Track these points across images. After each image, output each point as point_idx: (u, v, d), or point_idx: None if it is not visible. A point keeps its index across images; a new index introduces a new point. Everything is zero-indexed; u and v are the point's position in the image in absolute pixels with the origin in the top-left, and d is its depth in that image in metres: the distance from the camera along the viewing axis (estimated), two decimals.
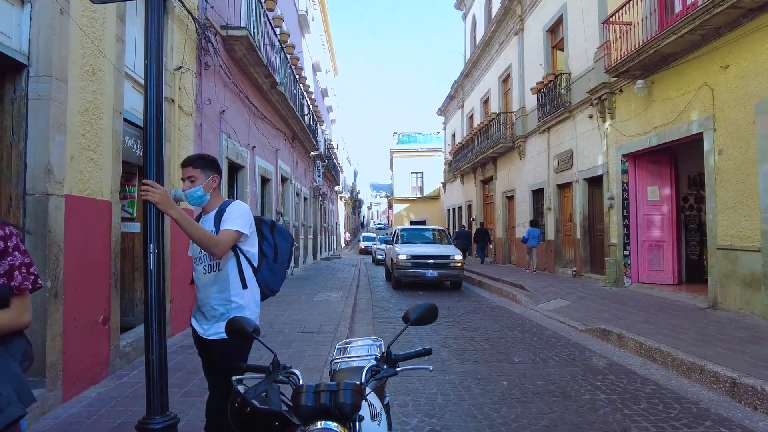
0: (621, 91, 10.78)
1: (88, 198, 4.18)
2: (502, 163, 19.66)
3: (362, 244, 32.67)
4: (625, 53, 9.55)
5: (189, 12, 6.70)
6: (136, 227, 5.82)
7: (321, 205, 25.23)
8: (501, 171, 19.89)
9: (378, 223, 75.67)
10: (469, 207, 25.62)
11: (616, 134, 11.01)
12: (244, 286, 2.46)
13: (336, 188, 35.14)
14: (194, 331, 2.54)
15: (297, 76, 14.69)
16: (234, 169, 9.60)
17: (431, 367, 1.86)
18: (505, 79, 19.65)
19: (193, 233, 2.25)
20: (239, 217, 2.43)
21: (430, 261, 12.76)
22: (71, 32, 3.90)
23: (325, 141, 23.45)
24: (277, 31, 11.92)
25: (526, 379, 5.04)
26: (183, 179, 2.51)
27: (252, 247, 2.54)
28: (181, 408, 3.81)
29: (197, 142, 7.25)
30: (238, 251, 2.47)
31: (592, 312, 8.21)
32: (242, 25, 8.78)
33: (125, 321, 5.42)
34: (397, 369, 1.84)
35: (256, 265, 2.55)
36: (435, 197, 41.76)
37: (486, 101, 22.61)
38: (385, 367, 1.82)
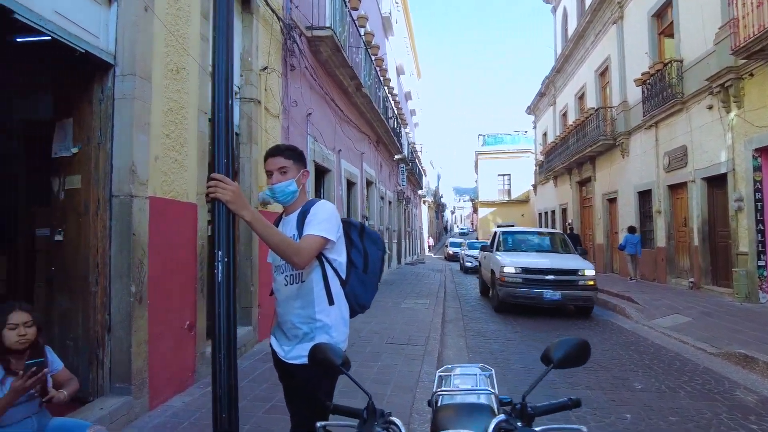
0: (751, 75, 9.31)
1: (172, 200, 4.06)
2: (601, 162, 18.13)
3: (449, 250, 31.08)
4: (759, 30, 8.19)
5: (274, 12, 6.59)
6: None
7: (404, 209, 24.94)
8: (600, 171, 18.35)
9: (461, 228, 74.14)
10: (564, 211, 24.04)
11: (745, 126, 9.52)
12: (331, 301, 2.05)
13: (419, 192, 34.75)
14: (274, 352, 2.17)
15: (381, 78, 14.48)
16: (320, 172, 9.48)
17: (585, 429, 1.30)
18: (603, 72, 18.13)
19: (271, 239, 1.88)
20: (325, 220, 2.02)
21: (550, 277, 9.15)
22: (155, 29, 3.79)
23: (408, 144, 23.14)
24: (362, 31, 11.74)
25: (654, 412, 4.24)
26: (270, 172, 2.14)
27: (339, 256, 2.13)
28: (266, 426, 3.53)
29: (284, 142, 7.12)
30: (324, 260, 2.06)
31: (722, 332, 7.02)
32: (327, 25, 8.62)
33: (211, 326, 5.33)
34: (536, 430, 1.31)
35: (344, 276, 2.13)
36: (524, 200, 40.00)
37: (581, 97, 21.07)
38: (519, 425, 1.30)
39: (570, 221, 22.21)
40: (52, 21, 3.05)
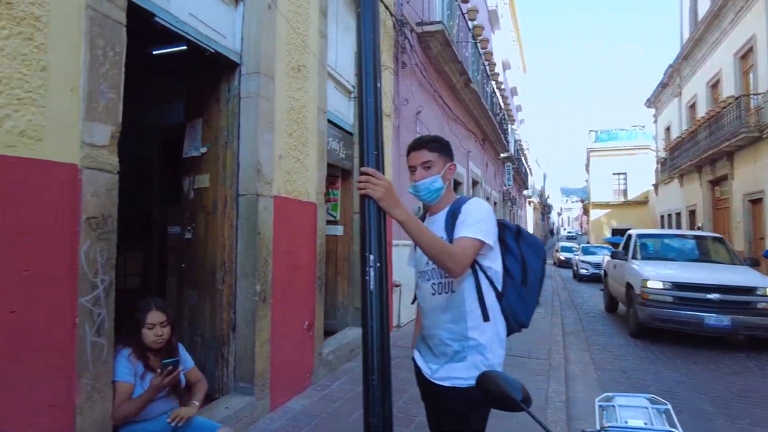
0: None
1: (295, 199, 4.01)
2: (741, 158, 15.90)
3: (560, 255, 27.75)
4: None
5: (387, 8, 6.45)
6: (339, 230, 5.69)
7: (510, 210, 23.95)
8: (740, 168, 16.10)
9: (569, 231, 69.87)
10: (692, 213, 21.55)
11: None
12: (486, 317, 1.74)
13: (524, 192, 33.28)
14: (417, 366, 1.92)
15: (489, 73, 13.92)
16: None
17: None
18: (745, 55, 15.89)
19: (425, 242, 1.62)
20: (481, 221, 1.72)
21: (714, 296, 6.86)
22: (278, 27, 3.76)
23: (514, 142, 22.17)
24: (470, 24, 11.32)
25: None
26: (412, 168, 1.88)
27: (494, 263, 1.81)
28: None
29: (395, 144, 6.98)
30: (477, 268, 1.76)
31: None
32: (437, 20, 8.36)
33: (327, 325, 5.28)
34: None
35: (500, 288, 1.81)
36: (642, 201, 36.71)
37: (714, 85, 18.70)
38: None
39: (700, 225, 19.82)
40: (188, 23, 3.10)
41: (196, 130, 3.79)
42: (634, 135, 39.93)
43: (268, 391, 3.66)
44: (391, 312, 6.67)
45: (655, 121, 28.54)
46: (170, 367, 2.26)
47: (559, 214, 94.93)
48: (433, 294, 1.81)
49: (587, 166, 46.87)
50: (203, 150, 3.68)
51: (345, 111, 5.64)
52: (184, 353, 2.64)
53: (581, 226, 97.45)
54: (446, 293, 1.78)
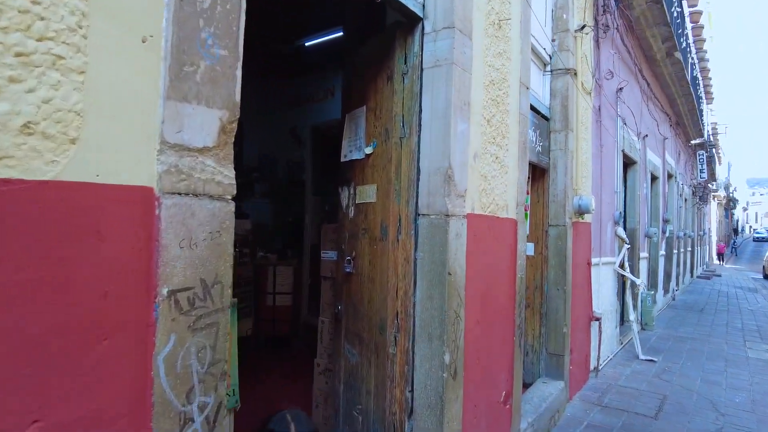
0: None
1: (492, 216, 2.74)
2: None
3: None
4: None
5: None
6: (530, 249, 4.30)
7: (698, 208, 19.97)
8: None
9: (758, 232, 58.42)
10: None
11: None
12: None
13: (710, 185, 27.93)
14: None
15: (694, 38, 11.17)
16: (625, 165, 7.32)
17: None
18: None
19: None
20: None
21: None
22: None
23: (708, 125, 18.27)
24: None
25: None
26: None
27: None
28: None
29: (595, 129, 5.33)
30: None
31: None
32: None
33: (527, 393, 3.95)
34: None
35: None
36: None
37: None
38: None
39: None
40: None
41: (358, 123, 2.71)
42: None
43: None
44: (588, 352, 5.09)
45: None
46: None
47: (745, 209, 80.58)
48: None
49: None
50: (368, 151, 2.59)
51: (538, 88, 4.21)
52: None
53: None
54: None
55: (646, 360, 5.95)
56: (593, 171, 5.17)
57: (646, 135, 8.06)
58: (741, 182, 74.66)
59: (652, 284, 9.53)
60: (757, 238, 55.33)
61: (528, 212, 4.32)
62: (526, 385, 4.27)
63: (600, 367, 5.37)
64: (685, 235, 14.45)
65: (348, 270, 2.69)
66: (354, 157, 2.71)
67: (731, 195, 52.14)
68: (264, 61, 5.77)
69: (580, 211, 4.34)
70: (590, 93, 5.08)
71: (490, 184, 2.70)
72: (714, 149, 23.23)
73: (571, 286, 4.28)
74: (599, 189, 5.37)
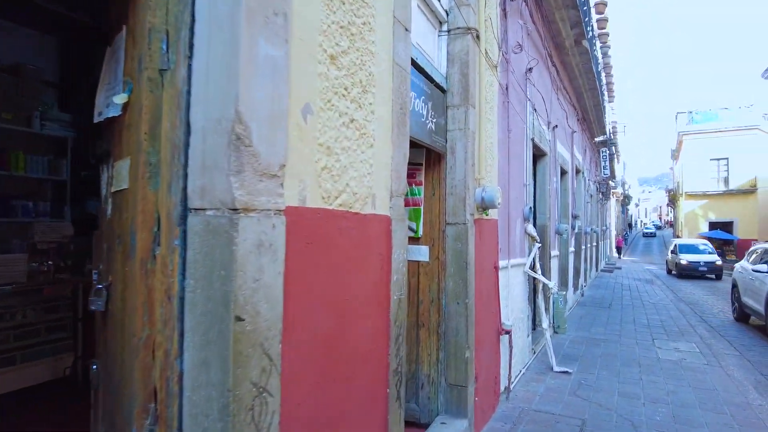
0: None
1: (343, 213, 1.73)
2: None
3: (682, 259, 19.85)
4: None
5: None
6: (423, 253, 3.38)
7: (602, 204, 20.69)
8: None
9: (646, 228, 63.35)
10: None
11: None
12: None
13: (611, 183, 29.48)
14: None
15: (598, 31, 11.06)
16: (535, 157, 6.74)
17: None
18: None
19: None
20: None
21: None
22: None
23: (610, 123, 18.86)
24: None
25: None
26: None
27: None
28: None
29: (502, 111, 4.57)
30: None
31: None
32: None
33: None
34: None
35: None
36: (749, 190, 31.91)
37: None
38: None
39: None
40: None
41: (118, 59, 1.59)
42: (737, 115, 34.62)
43: None
44: (497, 372, 4.30)
45: None
46: None
47: (637, 205, 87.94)
48: None
49: (676, 151, 41.67)
50: (119, 100, 1.49)
51: (432, 50, 3.31)
52: None
53: (660, 218, 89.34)
54: None
55: (560, 372, 5.32)
56: (500, 160, 4.40)
57: (556, 126, 7.58)
58: (634, 180, 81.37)
59: (563, 283, 9.18)
60: (646, 233, 59.58)
61: (421, 208, 3.40)
62: (422, 426, 3.37)
63: (512, 386, 4.63)
64: (591, 230, 14.61)
65: (96, 306, 1.57)
66: (110, 114, 1.59)
67: (627, 192, 56.22)
68: None
69: (484, 206, 3.50)
70: (496, 67, 4.28)
71: (341, 160, 1.70)
72: (614, 147, 24.34)
73: (474, 298, 3.43)
74: (507, 181, 4.62)
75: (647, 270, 24.48)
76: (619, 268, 23.76)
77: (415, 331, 3.46)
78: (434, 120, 3.17)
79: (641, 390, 4.87)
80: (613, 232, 38.83)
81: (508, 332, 4.36)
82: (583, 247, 12.56)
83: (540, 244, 5.58)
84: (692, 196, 35.27)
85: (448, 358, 3.37)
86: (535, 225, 6.95)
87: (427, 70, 3.04)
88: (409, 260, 2.90)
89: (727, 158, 34.10)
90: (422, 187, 3.37)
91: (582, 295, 11.99)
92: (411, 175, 3.36)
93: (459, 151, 3.32)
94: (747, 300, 8.80)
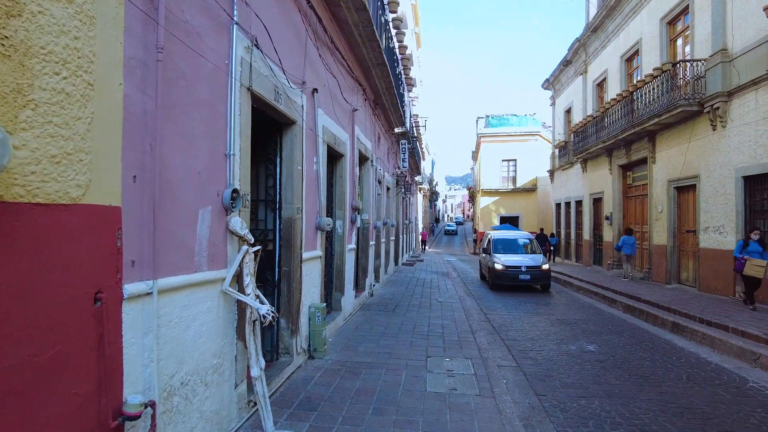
0: None
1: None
2: (667, 138, 13.70)
3: (497, 263, 13.83)
4: None
5: None
6: None
7: (403, 198, 20.35)
8: (665, 150, 13.92)
9: (448, 225, 68.03)
10: (597, 201, 19.65)
11: None
12: None
13: (417, 178, 30.15)
14: None
15: (391, 15, 9.77)
16: (269, 119, 4.84)
17: None
18: (674, 20, 13.65)
19: None
20: None
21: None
22: None
23: (411, 116, 18.46)
24: None
25: None
26: None
27: None
28: None
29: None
30: None
31: None
32: None
33: None
34: None
35: None
36: (531, 189, 35.81)
37: (631, 58, 16.59)
38: None
39: (608, 214, 17.86)
40: None
41: None
42: (524, 121, 38.82)
43: None
44: None
45: (553, 104, 26.73)
46: None
47: (444, 201, 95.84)
48: None
49: (475, 152, 45.39)
50: None
51: None
52: None
53: (463, 213, 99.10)
54: None
55: None
56: (128, 89, 2.31)
57: (316, 89, 5.85)
58: (441, 179, 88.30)
59: (336, 288, 7.60)
60: (448, 231, 62.26)
61: None
62: None
63: None
64: (386, 224, 13.66)
65: None
66: None
67: (434, 188, 59.98)
68: None
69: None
70: None
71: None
72: (417, 142, 24.52)
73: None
74: (154, 134, 2.56)
75: (447, 261, 25.28)
76: (422, 261, 24.04)
77: None
78: None
79: None
80: (420, 226, 40.50)
81: (137, 417, 2.31)
82: (373, 242, 11.36)
83: (258, 248, 3.70)
84: (487, 192, 38.41)
85: None
86: (279, 217, 5.07)
87: None
88: None
89: (515, 160, 37.83)
90: None
91: (371, 295, 10.77)
92: None
93: None
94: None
